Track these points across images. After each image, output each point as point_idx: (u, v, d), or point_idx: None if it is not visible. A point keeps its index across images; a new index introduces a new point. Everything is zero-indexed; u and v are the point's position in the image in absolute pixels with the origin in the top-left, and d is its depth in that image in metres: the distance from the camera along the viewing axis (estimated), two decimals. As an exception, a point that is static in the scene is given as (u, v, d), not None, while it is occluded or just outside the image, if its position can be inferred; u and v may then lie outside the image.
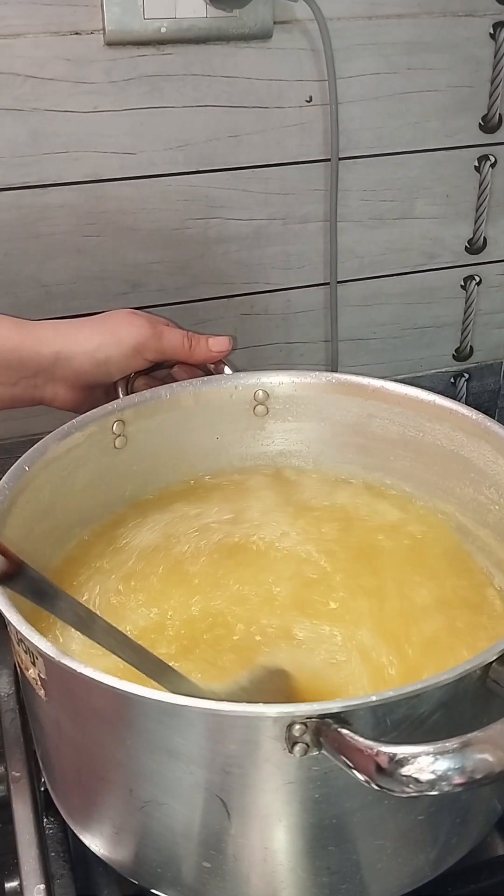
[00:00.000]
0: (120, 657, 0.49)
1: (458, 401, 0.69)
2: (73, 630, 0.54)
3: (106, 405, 0.68)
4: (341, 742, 0.43)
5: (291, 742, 0.44)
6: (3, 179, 0.77)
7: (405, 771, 0.41)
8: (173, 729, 0.46)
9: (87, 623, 0.48)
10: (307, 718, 0.44)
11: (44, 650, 0.47)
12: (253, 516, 0.71)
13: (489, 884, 0.60)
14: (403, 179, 0.90)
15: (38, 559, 0.64)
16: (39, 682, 0.50)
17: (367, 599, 0.63)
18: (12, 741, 0.70)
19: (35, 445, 0.63)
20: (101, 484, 0.69)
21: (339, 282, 0.91)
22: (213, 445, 0.74)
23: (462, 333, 1.01)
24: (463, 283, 0.98)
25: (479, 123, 0.90)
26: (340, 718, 0.44)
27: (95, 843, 0.56)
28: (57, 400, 0.71)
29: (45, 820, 0.64)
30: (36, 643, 0.48)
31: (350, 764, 0.42)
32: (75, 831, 0.58)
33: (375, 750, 0.41)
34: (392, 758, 0.41)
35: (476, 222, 0.94)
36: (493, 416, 0.66)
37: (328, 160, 0.85)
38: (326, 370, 0.79)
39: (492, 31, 0.85)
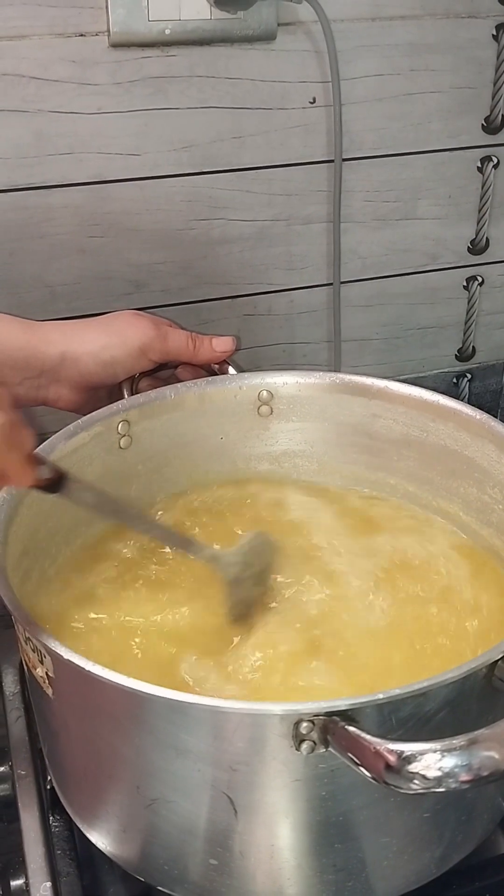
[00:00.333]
0: (152, 537, 0.66)
1: (461, 401, 0.69)
2: (75, 629, 0.57)
3: (111, 405, 0.68)
4: (348, 739, 0.43)
5: (298, 740, 0.45)
6: (7, 180, 0.77)
7: (412, 768, 0.41)
8: (181, 726, 0.46)
9: (125, 514, 0.63)
10: (314, 716, 0.44)
11: (52, 648, 0.48)
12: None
13: (494, 882, 0.60)
14: (406, 180, 0.90)
15: (44, 558, 0.64)
16: (47, 681, 0.51)
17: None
18: (18, 740, 0.70)
19: (41, 446, 0.63)
20: (106, 483, 0.69)
21: (342, 282, 0.91)
22: (218, 445, 0.74)
23: (464, 334, 1.01)
24: (465, 284, 0.98)
25: (482, 125, 0.90)
26: (347, 716, 0.44)
27: (102, 840, 0.56)
28: (60, 401, 0.72)
29: (51, 818, 0.64)
30: (44, 641, 0.48)
31: (357, 761, 0.43)
32: (82, 829, 0.58)
33: (383, 747, 0.42)
34: (399, 755, 0.41)
35: (479, 223, 0.95)
36: (495, 417, 0.66)
37: (331, 161, 0.85)
38: (330, 370, 0.79)
39: (494, 33, 0.86)
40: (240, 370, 0.75)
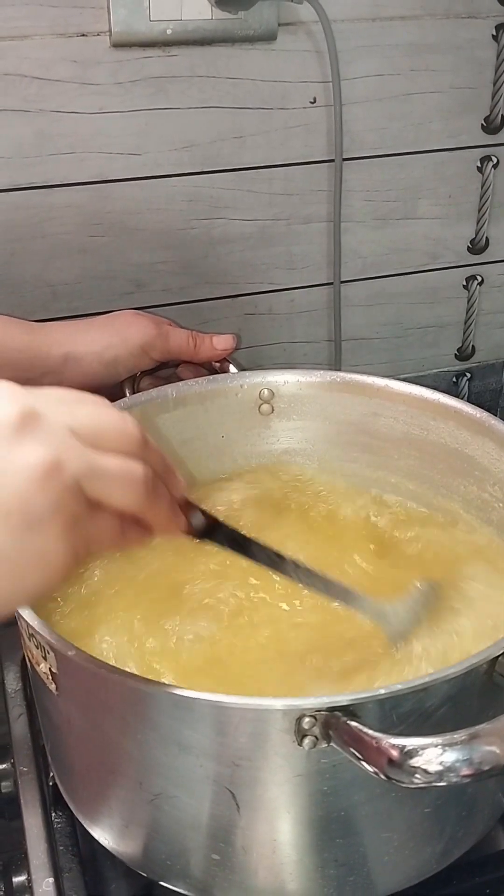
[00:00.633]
0: (310, 588, 0.56)
1: (461, 400, 0.69)
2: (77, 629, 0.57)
3: (113, 404, 0.68)
4: (351, 734, 0.43)
5: (301, 735, 0.45)
6: (9, 180, 0.78)
7: (414, 762, 0.41)
8: (184, 722, 0.47)
9: (279, 563, 0.54)
10: (316, 711, 0.44)
11: (56, 644, 0.48)
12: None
13: (494, 877, 0.61)
14: (406, 180, 0.90)
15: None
16: (50, 677, 0.51)
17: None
18: (20, 737, 0.70)
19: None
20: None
21: (342, 282, 0.92)
22: (219, 444, 0.75)
23: (464, 333, 1.01)
24: (465, 283, 0.98)
25: (482, 124, 0.90)
26: (349, 711, 0.44)
27: (105, 836, 0.57)
28: None
29: (53, 815, 0.64)
30: (48, 637, 0.48)
31: (359, 756, 0.43)
32: (84, 825, 0.58)
33: (385, 742, 0.42)
34: (401, 749, 0.41)
35: (478, 223, 0.95)
36: (494, 416, 0.67)
37: (332, 161, 0.86)
38: (330, 369, 0.79)
39: (494, 33, 0.86)
40: (241, 369, 0.75)
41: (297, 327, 0.94)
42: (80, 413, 0.44)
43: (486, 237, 0.96)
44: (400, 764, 0.42)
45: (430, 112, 0.88)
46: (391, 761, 0.42)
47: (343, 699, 0.44)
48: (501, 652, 0.47)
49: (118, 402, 0.69)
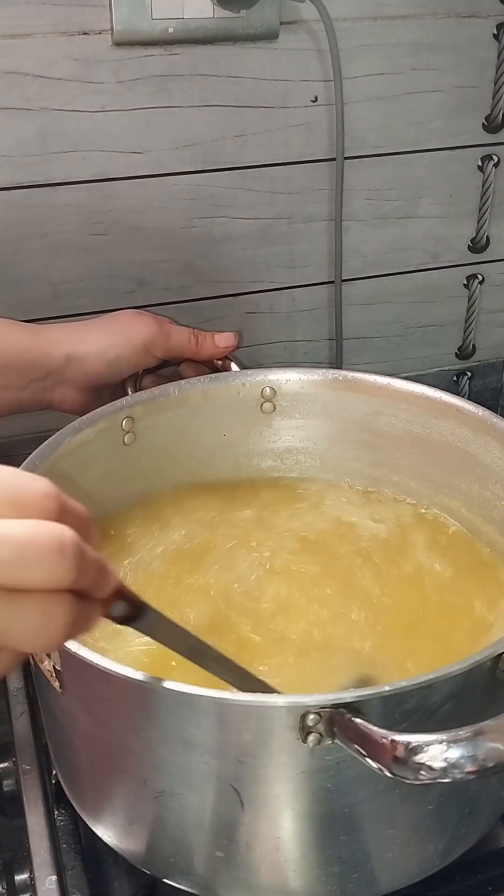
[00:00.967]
0: (225, 680, 0.49)
1: (463, 398, 0.69)
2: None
3: (115, 402, 0.69)
4: (355, 731, 0.43)
5: (305, 732, 0.45)
6: (11, 178, 0.78)
7: (418, 759, 0.41)
8: (188, 719, 0.47)
9: (200, 653, 0.48)
10: (321, 708, 0.44)
11: (60, 642, 0.48)
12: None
13: (495, 875, 0.61)
14: (407, 179, 0.90)
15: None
16: (54, 674, 0.51)
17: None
18: (22, 735, 0.70)
19: (46, 441, 0.64)
20: (110, 480, 0.69)
21: (343, 280, 0.92)
22: (221, 442, 0.75)
23: (465, 332, 1.02)
24: (466, 282, 0.98)
25: (483, 124, 0.90)
26: (354, 708, 0.44)
27: (108, 834, 0.57)
28: (66, 403, 0.72)
29: (55, 813, 0.64)
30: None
31: (364, 752, 0.43)
32: (87, 823, 0.58)
33: (389, 738, 0.42)
34: (406, 746, 0.42)
35: (479, 221, 0.95)
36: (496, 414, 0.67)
37: (333, 160, 0.86)
38: (332, 368, 0.79)
39: (495, 32, 0.86)
40: (242, 367, 0.76)
41: (297, 326, 0.94)
42: None
43: (487, 236, 0.96)
44: (405, 760, 0.42)
45: (431, 111, 0.88)
46: (396, 758, 0.42)
47: (348, 696, 0.44)
48: (505, 649, 0.48)
49: (120, 399, 0.69)
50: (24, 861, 0.63)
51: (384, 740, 0.42)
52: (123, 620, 0.43)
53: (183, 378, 0.73)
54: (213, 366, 0.76)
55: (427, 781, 0.42)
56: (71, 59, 0.75)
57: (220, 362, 0.76)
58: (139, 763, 0.50)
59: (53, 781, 0.64)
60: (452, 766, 0.41)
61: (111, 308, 0.78)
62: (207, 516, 0.71)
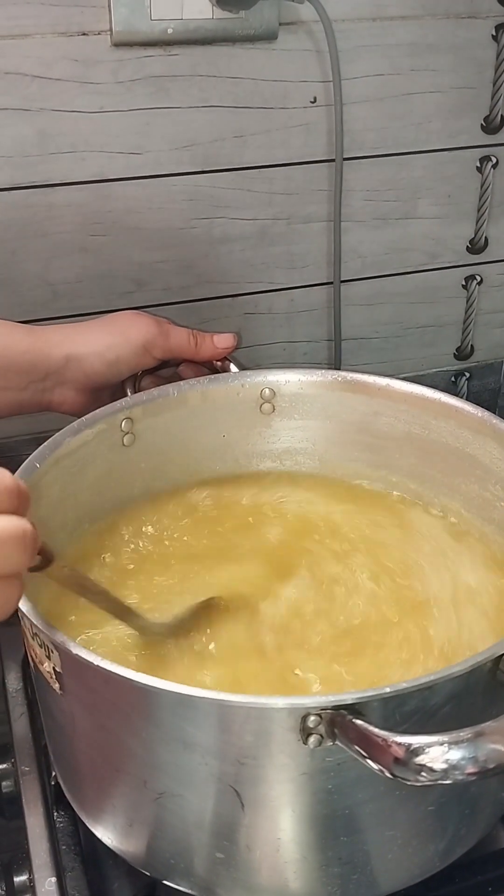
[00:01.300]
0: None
1: (462, 399, 0.69)
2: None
3: (115, 403, 0.69)
4: (356, 732, 0.43)
5: (306, 733, 0.45)
6: (10, 179, 0.78)
7: (419, 760, 0.42)
8: (189, 720, 0.47)
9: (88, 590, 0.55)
10: (322, 709, 0.44)
11: (60, 643, 0.48)
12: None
13: (495, 875, 0.61)
14: (406, 180, 0.90)
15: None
16: (54, 676, 0.51)
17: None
18: (21, 737, 0.70)
19: (46, 443, 0.64)
20: (109, 481, 0.69)
21: (342, 281, 0.92)
22: (220, 443, 0.75)
23: (463, 333, 1.02)
24: (464, 283, 0.98)
25: (482, 124, 0.90)
26: (355, 709, 0.44)
27: (108, 835, 0.57)
28: (65, 404, 0.72)
29: (55, 814, 0.64)
30: (52, 636, 0.48)
31: (365, 754, 0.43)
32: (87, 824, 0.58)
33: (390, 740, 0.42)
34: (407, 747, 0.42)
35: (477, 222, 0.95)
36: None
37: (332, 160, 0.86)
38: (331, 369, 0.79)
39: (494, 33, 0.86)
40: (242, 368, 0.75)
41: (296, 327, 0.94)
42: None
43: (486, 237, 0.96)
44: (406, 762, 0.42)
45: (429, 112, 0.88)
46: (397, 759, 0.42)
47: (348, 697, 0.44)
48: (506, 650, 0.48)
49: (119, 400, 0.69)
50: (24, 863, 0.63)
51: (385, 741, 0.42)
52: (37, 569, 0.50)
53: (182, 379, 0.73)
54: (212, 367, 0.76)
55: (428, 783, 0.42)
56: (70, 59, 0.75)
57: (219, 363, 0.76)
58: (139, 764, 0.50)
59: (53, 783, 0.64)
60: (453, 767, 0.41)
61: (110, 309, 0.78)
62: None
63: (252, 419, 0.74)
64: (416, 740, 0.42)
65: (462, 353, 1.03)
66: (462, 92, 0.88)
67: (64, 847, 0.62)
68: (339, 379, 0.73)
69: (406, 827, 0.52)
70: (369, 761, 0.43)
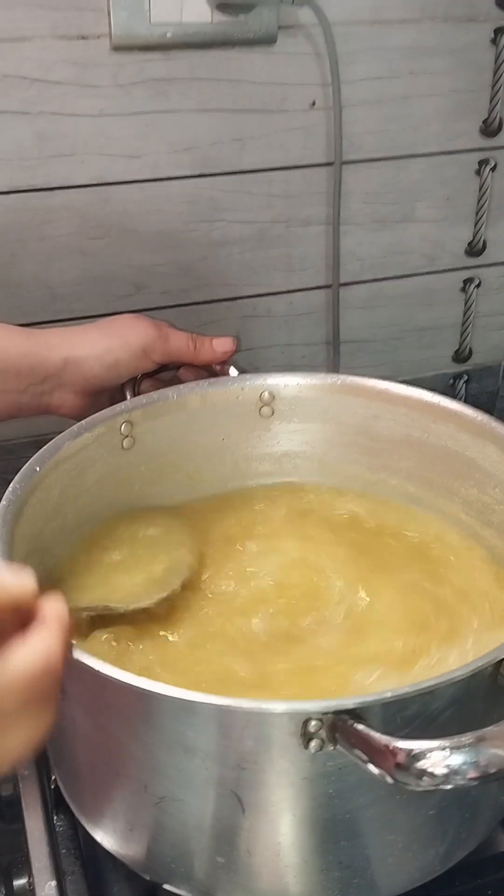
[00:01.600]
0: None
1: (462, 402, 0.69)
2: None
3: (114, 406, 0.69)
4: (357, 737, 0.43)
5: (307, 738, 0.45)
6: (9, 182, 0.78)
7: (420, 765, 0.41)
8: (190, 725, 0.47)
9: None
10: (322, 714, 0.44)
11: (61, 648, 0.48)
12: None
13: (495, 878, 0.61)
14: (405, 183, 0.91)
15: (47, 558, 0.65)
16: (55, 680, 0.51)
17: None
18: (21, 740, 0.70)
19: (45, 446, 0.64)
20: (109, 484, 0.69)
21: (340, 284, 0.92)
22: (219, 446, 0.75)
23: (461, 336, 1.02)
24: (463, 286, 0.99)
25: (480, 127, 0.90)
26: (356, 714, 0.44)
27: (108, 839, 0.57)
28: (64, 407, 0.72)
29: (55, 818, 0.64)
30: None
31: (365, 759, 0.43)
32: (87, 828, 0.58)
33: (391, 745, 0.42)
34: (408, 752, 0.41)
35: (476, 225, 0.95)
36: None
37: (331, 164, 0.86)
38: (330, 372, 0.79)
39: (492, 37, 0.86)
40: (241, 371, 0.75)
41: (295, 330, 0.94)
42: None
43: (484, 240, 0.96)
44: (407, 766, 0.42)
45: (428, 115, 0.88)
46: (398, 764, 0.42)
47: (349, 702, 0.44)
48: (506, 654, 0.48)
49: (119, 404, 0.69)
50: (24, 866, 0.63)
51: (386, 746, 0.42)
52: None
53: (181, 382, 0.73)
54: (211, 370, 0.76)
55: (429, 788, 0.42)
56: (69, 62, 0.75)
57: (218, 367, 0.76)
58: (140, 768, 0.50)
59: (53, 786, 0.64)
60: (454, 772, 0.41)
61: (109, 312, 0.78)
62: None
63: (251, 422, 0.74)
64: (417, 745, 0.42)
65: (460, 356, 1.03)
66: (461, 95, 0.88)
67: (64, 851, 0.62)
68: (339, 382, 0.73)
69: (406, 831, 0.52)
70: (370, 766, 0.43)
